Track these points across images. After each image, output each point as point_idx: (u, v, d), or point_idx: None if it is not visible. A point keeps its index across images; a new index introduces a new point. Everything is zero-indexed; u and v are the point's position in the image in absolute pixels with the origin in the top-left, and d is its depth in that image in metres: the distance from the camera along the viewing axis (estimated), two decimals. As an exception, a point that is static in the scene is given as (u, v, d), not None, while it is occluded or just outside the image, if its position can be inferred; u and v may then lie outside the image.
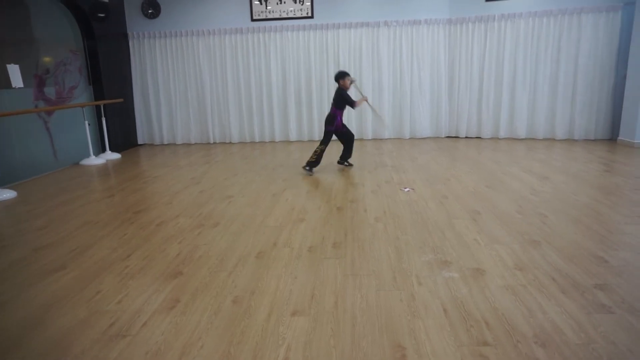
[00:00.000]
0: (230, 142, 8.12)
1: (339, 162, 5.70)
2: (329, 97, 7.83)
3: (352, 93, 5.47)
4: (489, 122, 7.49)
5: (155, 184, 5.20)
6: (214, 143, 8.14)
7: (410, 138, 7.80)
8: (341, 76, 5.31)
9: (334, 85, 7.68)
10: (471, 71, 7.42)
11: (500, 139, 7.46)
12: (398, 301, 2.33)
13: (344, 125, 5.45)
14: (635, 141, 6.26)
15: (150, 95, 8.02)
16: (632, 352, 1.85)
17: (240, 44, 7.75)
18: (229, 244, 3.22)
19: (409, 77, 7.59)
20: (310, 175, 5.30)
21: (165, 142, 8.24)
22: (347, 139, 5.54)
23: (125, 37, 7.84)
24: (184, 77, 7.94)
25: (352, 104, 5.30)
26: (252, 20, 7.67)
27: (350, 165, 5.67)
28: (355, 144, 7.42)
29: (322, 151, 5.36)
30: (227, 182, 5.08)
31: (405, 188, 4.54)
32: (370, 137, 7.90)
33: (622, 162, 5.44)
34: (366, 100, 5.58)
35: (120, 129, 7.68)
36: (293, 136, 8.03)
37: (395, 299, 2.35)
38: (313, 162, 5.35)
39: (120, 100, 7.43)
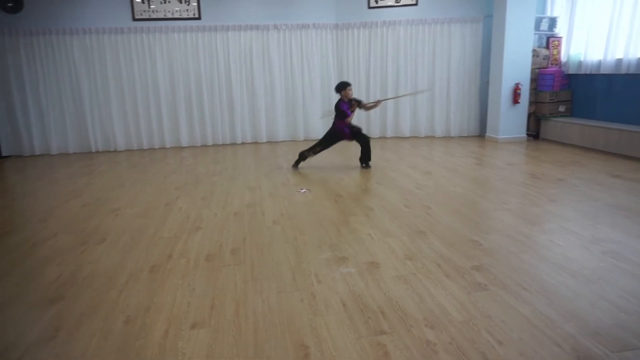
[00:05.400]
0: (115, 150, 7.52)
1: (361, 166, 5.64)
2: (221, 101, 7.68)
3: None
4: (377, 122, 7.94)
5: (26, 200, 4.62)
6: (97, 152, 7.48)
7: (304, 139, 7.95)
8: (342, 87, 5.28)
9: (226, 88, 7.62)
10: (358, 74, 7.80)
11: (387, 137, 7.95)
12: (299, 301, 2.36)
13: (353, 133, 5.40)
14: (499, 137, 7.11)
15: (15, 100, 7.09)
16: (505, 322, 2.10)
17: (121, 45, 7.22)
18: (118, 260, 2.98)
19: (300, 80, 7.74)
20: (296, 170, 5.55)
21: (37, 153, 7.37)
22: (362, 142, 5.52)
23: (-21, 34, 6.86)
24: (57, 80, 7.17)
25: (345, 116, 5.25)
26: (134, 19, 7.20)
27: (369, 167, 5.57)
28: (250, 148, 7.40)
29: (317, 152, 5.56)
30: (113, 194, 4.71)
31: (301, 189, 4.61)
32: (265, 140, 7.90)
33: (490, 155, 6.15)
34: (378, 103, 5.70)
35: (-22, 140, 6.70)
36: (185, 142, 7.70)
37: (296, 299, 2.38)
38: (303, 157, 5.58)
39: (-23, 106, 6.47)
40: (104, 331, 2.14)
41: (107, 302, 2.42)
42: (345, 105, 5.28)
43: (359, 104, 5.47)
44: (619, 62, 6.00)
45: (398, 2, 7.52)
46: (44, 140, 7.35)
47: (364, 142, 5.52)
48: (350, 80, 7.74)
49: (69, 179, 5.53)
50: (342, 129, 5.34)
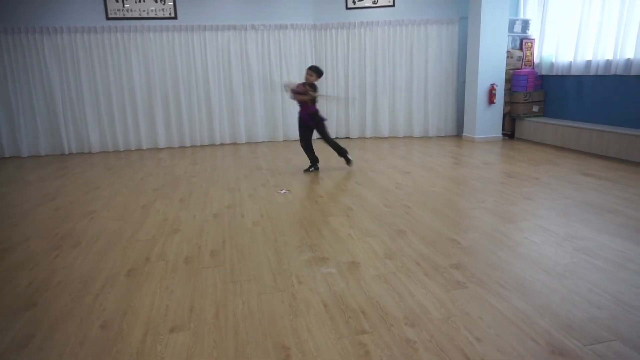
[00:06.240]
0: (89, 152, 7.35)
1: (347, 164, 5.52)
2: (199, 101, 7.60)
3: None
4: (356, 122, 7.98)
5: (-4, 204, 4.48)
6: (70, 154, 7.29)
7: (283, 140, 7.93)
8: (307, 69, 5.15)
9: (204, 89, 7.54)
10: (337, 75, 7.82)
11: (366, 138, 7.99)
12: (280, 302, 2.35)
13: (309, 119, 5.19)
14: (476, 137, 7.23)
15: (-17, 101, 6.88)
16: (482, 318, 2.14)
17: (95, 44, 7.06)
18: (94, 264, 2.92)
19: (278, 81, 7.71)
20: (349, 166, 5.47)
21: (7, 155, 7.14)
22: (328, 143, 5.38)
23: (-56, 32, 6.61)
24: (27, 81, 6.97)
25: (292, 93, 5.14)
26: (108, 18, 7.05)
27: (350, 160, 5.47)
28: (229, 149, 7.34)
29: (333, 141, 5.39)
30: (88, 197, 4.60)
31: (281, 190, 4.60)
32: (244, 141, 7.84)
33: (467, 155, 6.25)
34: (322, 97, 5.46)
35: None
36: (162, 143, 7.59)
37: (277, 300, 2.37)
38: (341, 150, 5.40)
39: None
40: (79, 337, 2.09)
41: (82, 308, 2.36)
42: (300, 85, 5.12)
43: (313, 88, 5.15)
44: (588, 63, 6.19)
45: (375, 3, 7.57)
46: (14, 142, 7.13)
47: (327, 142, 5.37)
48: (328, 80, 7.80)
49: (41, 181, 5.37)
50: (304, 111, 5.21)
